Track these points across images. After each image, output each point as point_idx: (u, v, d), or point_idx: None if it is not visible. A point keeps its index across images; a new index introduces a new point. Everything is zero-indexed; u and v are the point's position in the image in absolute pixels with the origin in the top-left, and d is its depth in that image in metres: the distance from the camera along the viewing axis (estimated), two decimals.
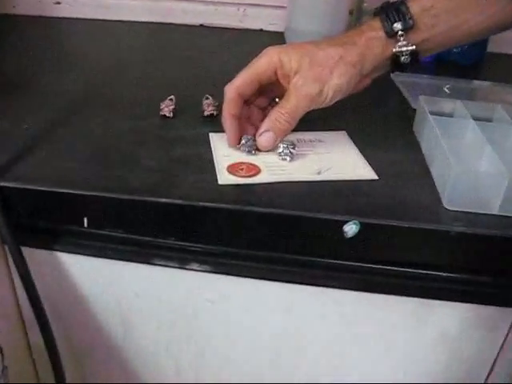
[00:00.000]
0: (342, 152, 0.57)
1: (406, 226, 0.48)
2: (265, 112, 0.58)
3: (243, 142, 0.55)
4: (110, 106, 0.67)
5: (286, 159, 0.55)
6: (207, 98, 0.66)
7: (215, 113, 0.64)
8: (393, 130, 0.64)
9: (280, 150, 0.55)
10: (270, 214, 0.48)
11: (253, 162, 0.54)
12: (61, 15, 1.04)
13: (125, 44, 0.93)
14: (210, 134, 0.60)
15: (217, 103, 0.65)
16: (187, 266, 0.54)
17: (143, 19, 1.04)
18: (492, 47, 0.93)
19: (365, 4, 0.88)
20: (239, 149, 0.56)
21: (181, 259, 0.54)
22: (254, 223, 0.49)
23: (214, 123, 0.63)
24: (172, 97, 0.65)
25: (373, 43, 0.53)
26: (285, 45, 0.55)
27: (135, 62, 0.83)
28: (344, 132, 0.61)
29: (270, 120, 0.54)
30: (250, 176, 0.52)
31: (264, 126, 0.55)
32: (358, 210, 0.49)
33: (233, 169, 0.53)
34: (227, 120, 0.56)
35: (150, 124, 0.62)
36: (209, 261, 0.54)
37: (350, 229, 0.47)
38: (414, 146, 0.61)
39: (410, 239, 0.49)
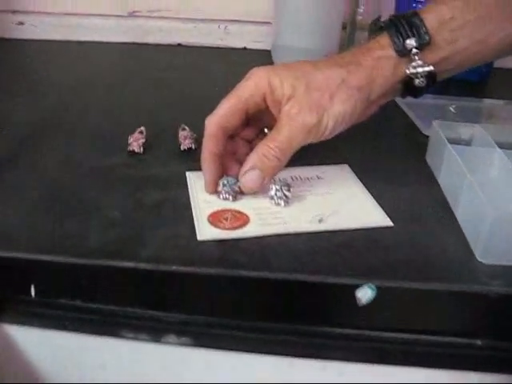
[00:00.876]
0: (347, 191, 0.48)
1: (433, 288, 0.38)
2: (252, 145, 0.49)
3: (221, 184, 0.46)
4: (71, 138, 0.57)
5: (279, 204, 0.45)
6: (184, 129, 0.56)
7: (194, 146, 0.54)
8: (402, 161, 0.55)
9: (272, 192, 0.45)
10: (264, 279, 0.38)
11: (239, 210, 0.44)
12: (24, 37, 0.95)
13: (94, 67, 0.83)
14: (188, 174, 0.50)
15: (195, 135, 0.55)
16: (163, 339, 0.44)
17: (116, 39, 0.94)
18: (499, 62, 0.84)
19: (359, 17, 0.80)
20: (218, 195, 0.46)
21: (154, 331, 0.44)
22: (244, 290, 0.39)
23: (193, 159, 0.53)
24: (142, 129, 0.55)
25: (381, 64, 0.44)
26: (275, 65, 0.46)
27: (103, 86, 0.73)
28: (346, 166, 0.52)
29: (257, 156, 0.44)
30: (236, 228, 0.42)
31: (249, 162, 0.45)
32: (373, 268, 0.39)
33: (215, 218, 0.43)
34: (206, 160, 0.46)
35: (115, 162, 0.52)
36: (189, 332, 0.43)
37: (364, 294, 0.37)
38: (429, 179, 0.51)
39: (437, 303, 0.39)
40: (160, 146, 0.55)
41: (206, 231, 0.41)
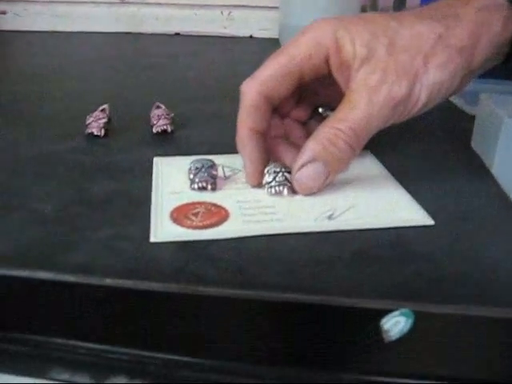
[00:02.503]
0: (369, 181, 0.35)
1: (494, 316, 0.25)
2: (308, 130, 0.37)
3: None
4: (24, 125, 0.45)
5: (281, 192, 0.32)
6: (158, 107, 0.44)
7: (169, 128, 0.42)
8: (441, 148, 0.42)
9: (268, 177, 0.33)
10: (243, 300, 0.25)
11: (217, 202, 0.32)
12: (6, 28, 0.85)
13: (75, 56, 0.72)
14: (156, 160, 0.38)
15: (172, 114, 0.43)
16: (107, 381, 0.31)
17: (107, 29, 0.84)
18: None
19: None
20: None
21: (97, 370, 0.31)
22: (213, 317, 0.26)
23: (168, 144, 0.41)
24: (105, 106, 0.44)
25: (488, 16, 0.32)
26: (343, 16, 0.34)
27: (80, 75, 0.62)
28: (367, 151, 0.39)
29: (319, 142, 0.31)
30: (208, 226, 0.29)
31: (306, 152, 0.32)
32: (406, 286, 0.26)
33: (181, 213, 0.31)
34: (244, 140, 0.33)
35: (67, 147, 0.40)
36: (142, 372, 0.31)
37: (395, 325, 0.24)
38: (478, 168, 0.38)
39: (498, 335, 0.26)
40: (127, 128, 0.43)
41: (163, 230, 0.29)
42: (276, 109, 0.36)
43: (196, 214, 0.30)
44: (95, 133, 0.41)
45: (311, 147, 0.31)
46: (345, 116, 0.31)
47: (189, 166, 0.33)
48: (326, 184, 0.32)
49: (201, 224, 0.29)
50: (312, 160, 0.31)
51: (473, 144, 0.42)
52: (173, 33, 0.84)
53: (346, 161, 0.32)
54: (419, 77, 0.31)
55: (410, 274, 0.27)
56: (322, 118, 0.38)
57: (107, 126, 0.42)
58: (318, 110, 0.38)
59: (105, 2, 0.84)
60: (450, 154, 0.41)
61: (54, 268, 0.26)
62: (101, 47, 0.78)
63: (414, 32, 0.32)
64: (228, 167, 0.36)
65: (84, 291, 0.26)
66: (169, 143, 0.41)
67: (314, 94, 0.37)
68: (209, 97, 0.53)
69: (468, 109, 0.47)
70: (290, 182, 0.32)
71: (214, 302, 0.25)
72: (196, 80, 0.60)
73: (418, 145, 0.42)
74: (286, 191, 0.32)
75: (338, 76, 0.33)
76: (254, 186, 0.34)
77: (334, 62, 0.32)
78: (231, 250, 0.28)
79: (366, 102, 0.31)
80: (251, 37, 0.83)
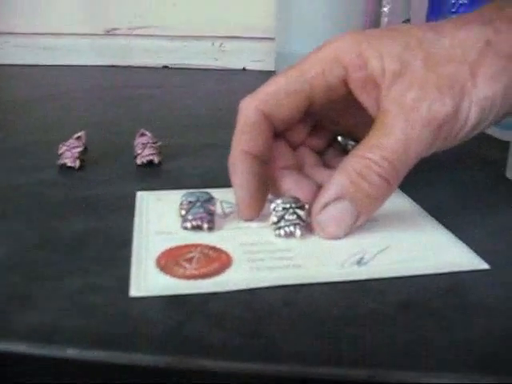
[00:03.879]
0: (399, 218, 0.29)
1: None
2: (328, 162, 0.31)
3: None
4: None
5: (291, 233, 0.26)
6: (143, 135, 0.38)
7: (156, 159, 0.36)
8: (472, 177, 0.36)
9: (275, 215, 0.26)
10: (263, 376, 0.18)
11: (216, 245, 0.25)
12: None
13: (52, 87, 0.67)
14: (139, 195, 0.31)
15: (159, 143, 0.37)
16: None
17: (93, 62, 0.79)
18: None
19: (385, 19, 0.64)
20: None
21: None
22: None
23: (154, 177, 0.35)
24: (81, 134, 0.37)
25: None
26: (369, 30, 0.28)
27: (58, 105, 0.56)
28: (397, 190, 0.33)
29: (347, 176, 0.25)
30: (206, 275, 0.23)
31: (331, 188, 0.26)
32: (481, 350, 0.19)
33: (170, 259, 0.24)
34: (236, 163, 0.28)
35: (36, 180, 0.34)
36: None
37: None
38: None
39: None
40: (106, 159, 0.37)
41: (147, 281, 0.22)
42: (285, 137, 0.30)
43: (190, 260, 0.24)
44: (68, 164, 0.35)
45: (337, 182, 0.25)
46: (377, 142, 0.25)
47: (180, 201, 0.27)
48: (355, 228, 0.26)
49: (197, 273, 0.23)
50: (338, 198, 0.25)
51: (508, 173, 0.36)
52: (160, 65, 0.79)
53: (380, 199, 0.26)
54: (466, 91, 0.25)
55: (480, 332, 0.20)
56: (341, 149, 0.32)
57: (83, 156, 0.36)
58: (337, 140, 0.32)
59: (89, 34, 0.79)
60: (485, 184, 0.35)
61: (1, 333, 0.20)
62: (84, 80, 0.73)
63: (456, 40, 0.26)
64: (227, 203, 0.30)
65: (39, 366, 0.19)
66: (155, 176, 0.35)
67: (332, 122, 0.31)
68: (200, 126, 0.47)
69: (500, 134, 0.41)
70: (304, 221, 0.26)
71: (220, 380, 0.18)
72: (185, 110, 0.54)
73: (446, 174, 0.36)
74: (298, 232, 0.26)
75: (362, 97, 0.27)
76: (247, 220, 0.28)
77: (355, 80, 0.27)
78: (239, 305, 0.21)
79: (402, 125, 0.25)
80: (244, 69, 0.78)
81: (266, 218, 0.27)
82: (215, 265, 0.23)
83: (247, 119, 0.28)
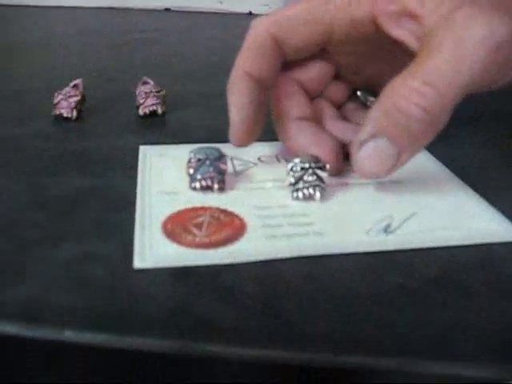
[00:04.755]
0: (427, 181, 0.26)
1: None
2: (346, 115, 0.29)
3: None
4: None
5: (309, 195, 0.23)
6: (145, 83, 0.35)
7: (160, 109, 0.33)
8: (506, 136, 0.33)
9: (294, 177, 0.24)
10: (285, 365, 0.16)
11: (227, 208, 0.23)
12: None
13: (54, 31, 0.63)
14: (142, 149, 0.29)
15: (163, 91, 0.34)
16: None
17: (91, 4, 0.75)
18: None
19: None
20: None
21: None
22: None
23: (157, 128, 0.32)
24: (78, 82, 0.34)
25: None
26: None
27: (54, 50, 0.53)
28: (426, 152, 0.30)
29: (382, 110, 0.22)
30: (218, 243, 0.20)
31: (367, 126, 0.23)
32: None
33: (177, 224, 0.22)
34: (235, 83, 0.25)
35: (28, 131, 0.31)
36: None
37: None
38: None
39: None
40: (106, 109, 0.34)
41: (153, 251, 0.20)
42: (303, 85, 0.27)
43: (199, 225, 0.21)
44: (65, 114, 0.32)
45: (373, 117, 0.22)
46: (420, 66, 0.21)
47: (188, 158, 0.24)
48: (399, 167, 0.23)
49: (207, 240, 0.21)
50: (373, 136, 0.22)
51: None
52: (162, 8, 0.74)
53: (423, 135, 0.22)
54: None
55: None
56: (361, 104, 0.29)
57: (80, 106, 0.33)
58: (356, 94, 0.29)
59: None
60: None
61: None
62: (81, 22, 0.69)
63: None
64: (239, 160, 0.27)
65: (30, 349, 0.17)
66: (159, 128, 0.32)
67: (353, 71, 0.28)
68: (205, 75, 0.44)
69: None
70: (324, 182, 0.24)
71: (231, 368, 0.16)
72: (189, 55, 0.50)
73: (476, 134, 0.33)
74: (318, 195, 0.23)
75: (395, 32, 0.24)
76: (237, 146, 0.26)
77: (386, 13, 0.23)
78: (254, 279, 0.19)
79: (451, 44, 0.21)
80: (250, 13, 0.73)
81: (281, 176, 0.25)
82: (227, 231, 0.21)
83: (255, 39, 0.25)
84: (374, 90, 0.29)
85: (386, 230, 0.22)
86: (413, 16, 0.23)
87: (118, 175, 0.26)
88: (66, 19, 0.70)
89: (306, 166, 0.23)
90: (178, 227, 0.21)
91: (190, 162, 0.24)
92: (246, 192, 0.24)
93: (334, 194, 0.24)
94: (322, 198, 0.23)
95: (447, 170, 0.27)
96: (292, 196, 0.24)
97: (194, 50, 0.53)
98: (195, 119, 0.34)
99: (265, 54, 0.25)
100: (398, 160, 0.22)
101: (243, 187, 0.25)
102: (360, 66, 0.28)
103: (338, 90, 0.29)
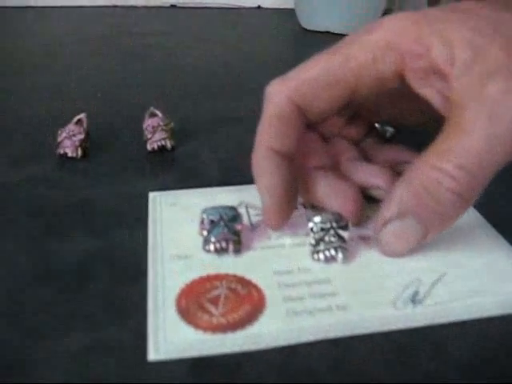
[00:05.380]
0: (461, 233, 0.24)
1: None
2: (365, 151, 0.27)
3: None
4: None
5: (333, 258, 0.22)
6: (153, 115, 0.33)
7: (169, 143, 0.32)
8: None
9: (314, 238, 0.22)
10: None
11: (244, 275, 0.22)
12: None
13: (52, 38, 0.61)
14: (152, 196, 0.27)
15: (172, 124, 0.33)
16: None
17: (91, 3, 0.73)
18: None
19: None
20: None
21: None
22: None
23: (167, 166, 0.31)
24: (82, 117, 0.33)
25: None
26: (425, 10, 0.22)
27: (53, 64, 0.51)
28: None
29: (412, 191, 0.21)
30: (236, 324, 0.19)
31: (393, 203, 0.21)
32: None
33: (192, 300, 0.20)
34: (262, 163, 0.23)
35: (28, 175, 0.30)
36: None
37: None
38: None
39: None
40: (112, 144, 0.33)
41: (168, 338, 0.19)
42: (317, 129, 0.26)
43: (215, 301, 0.20)
44: (69, 154, 0.31)
45: (399, 197, 0.21)
46: (451, 146, 0.20)
47: (200, 218, 0.23)
48: (423, 244, 0.22)
49: (225, 321, 0.19)
50: (400, 215, 0.21)
51: None
52: (168, 4, 0.72)
53: (453, 217, 0.21)
54: None
55: None
56: (379, 136, 0.28)
57: (85, 144, 0.31)
58: (374, 127, 0.27)
59: None
60: None
61: None
62: (84, 24, 0.67)
63: None
64: (255, 208, 0.26)
65: None
66: (168, 165, 0.31)
67: (374, 112, 0.27)
68: (217, 90, 0.43)
69: None
70: (346, 242, 0.22)
71: None
72: (198, 68, 0.49)
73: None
74: (340, 256, 0.22)
75: (422, 90, 0.22)
76: (274, 229, 0.24)
77: (414, 70, 0.22)
78: (279, 369, 0.18)
79: (484, 122, 0.20)
80: (259, 7, 0.71)
81: (300, 230, 0.23)
82: (246, 308, 0.20)
83: (276, 111, 0.23)
84: (395, 123, 0.28)
85: (414, 299, 0.20)
86: (441, 74, 0.21)
87: (127, 231, 0.25)
88: (68, 20, 0.68)
89: (327, 226, 0.22)
90: (192, 304, 0.20)
91: (202, 223, 0.23)
92: (264, 252, 0.23)
93: (356, 253, 0.23)
94: (344, 259, 0.22)
95: (482, 220, 0.25)
96: (313, 257, 0.22)
97: (205, 59, 0.51)
98: (207, 153, 0.32)
99: (288, 125, 0.23)
100: (425, 239, 0.21)
101: (260, 246, 0.23)
102: (382, 108, 0.26)
103: (355, 128, 0.27)
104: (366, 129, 0.28)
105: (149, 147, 0.32)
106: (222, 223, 0.23)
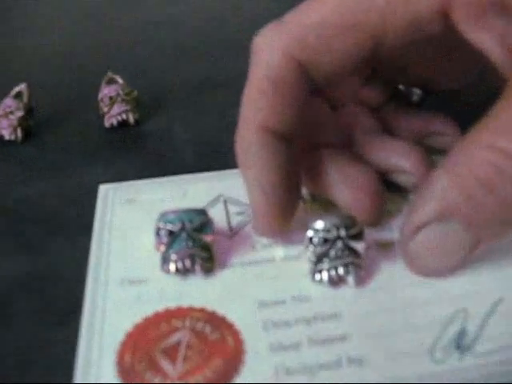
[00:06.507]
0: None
1: None
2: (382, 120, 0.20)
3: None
4: None
5: (342, 280, 0.16)
6: (111, 82, 0.27)
7: (131, 118, 0.25)
8: None
9: (315, 253, 0.16)
10: None
11: (216, 309, 0.15)
12: None
13: None
14: (102, 190, 0.21)
15: (135, 93, 0.26)
16: None
17: None
18: None
19: None
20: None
21: None
22: None
23: (127, 147, 0.24)
24: (21, 89, 0.26)
25: None
26: None
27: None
28: None
29: (459, 181, 0.14)
30: None
31: (431, 202, 0.15)
32: None
33: (140, 349, 0.14)
34: (251, 148, 0.17)
35: None
36: None
37: None
38: None
39: None
40: (61, 124, 0.26)
41: None
42: (319, 92, 0.19)
43: (173, 352, 0.14)
44: (6, 137, 0.24)
45: (440, 191, 0.14)
46: (510, 121, 0.14)
47: (156, 226, 0.17)
48: (471, 259, 0.16)
49: None
50: (440, 217, 0.15)
51: None
52: None
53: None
54: None
55: None
56: (404, 101, 0.21)
57: (27, 123, 0.25)
58: (397, 88, 0.21)
59: None
60: None
61: None
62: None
63: None
64: (237, 204, 0.19)
65: None
66: (131, 147, 0.24)
67: (398, 71, 0.20)
68: (197, 50, 0.35)
69: None
70: (360, 257, 0.16)
71: None
72: (175, 23, 0.41)
73: None
74: (351, 279, 0.16)
75: (475, 34, 0.15)
76: (266, 236, 0.17)
77: (464, 4, 0.15)
78: None
79: None
80: None
81: (297, 236, 0.17)
82: (216, 364, 0.14)
83: (269, 73, 0.16)
84: (426, 86, 0.21)
85: (460, 343, 0.14)
86: (507, 9, 0.14)
87: (67, 244, 0.19)
88: None
89: (333, 235, 0.16)
90: (140, 360, 0.14)
91: (158, 234, 0.16)
92: (245, 271, 0.17)
93: (374, 272, 0.16)
94: (358, 281, 0.16)
95: None
96: (313, 278, 0.16)
97: (178, 14, 0.43)
98: (180, 129, 0.25)
99: (287, 92, 0.16)
100: (473, 251, 0.15)
101: (241, 260, 0.17)
102: (410, 65, 0.19)
103: (374, 91, 0.20)
104: (387, 92, 0.21)
105: (106, 123, 0.25)
106: (184, 234, 0.16)
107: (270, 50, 0.16)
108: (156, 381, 0.13)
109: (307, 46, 0.16)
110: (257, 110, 0.16)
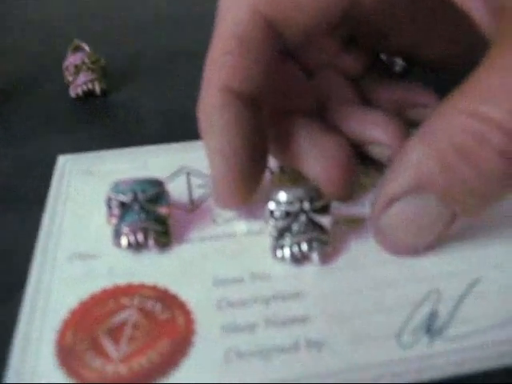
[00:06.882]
0: (499, 221, 0.17)
1: None
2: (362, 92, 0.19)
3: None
4: None
5: (304, 256, 0.15)
6: (77, 49, 0.25)
7: (97, 87, 0.24)
8: None
9: (276, 227, 0.15)
10: None
11: (168, 286, 0.14)
12: None
13: None
14: (61, 161, 0.20)
15: (102, 61, 0.25)
16: None
17: None
18: None
19: None
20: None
21: None
22: None
23: (93, 118, 0.23)
24: None
25: None
26: None
27: None
28: None
29: (435, 150, 0.13)
30: (145, 378, 0.12)
31: (406, 172, 0.13)
32: None
33: (83, 326, 0.13)
34: (214, 114, 0.15)
35: None
36: None
37: None
38: None
39: None
40: (24, 94, 0.25)
41: None
42: (297, 56, 0.18)
43: (118, 332, 0.13)
44: None
45: (416, 162, 0.13)
46: (504, 82, 0.12)
47: (106, 196, 0.15)
48: (447, 235, 0.14)
49: (126, 372, 0.12)
50: (415, 189, 0.13)
51: None
52: None
53: (497, 194, 0.13)
54: None
55: None
56: (385, 71, 0.20)
57: None
58: (378, 58, 0.19)
59: None
60: None
61: None
62: None
63: None
64: (200, 176, 0.18)
65: None
66: (96, 117, 0.23)
67: (378, 37, 0.19)
68: (163, 23, 0.33)
69: None
70: (326, 233, 0.15)
71: None
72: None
73: None
74: (316, 257, 0.14)
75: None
76: (227, 209, 0.16)
77: None
78: None
79: None
80: None
81: (260, 210, 0.16)
82: (163, 346, 0.13)
83: (235, 30, 0.15)
84: (409, 56, 0.20)
85: (430, 326, 0.13)
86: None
87: (18, 218, 0.17)
88: None
89: (296, 207, 0.14)
90: (81, 339, 0.13)
91: (109, 205, 0.15)
92: (204, 246, 0.15)
93: (341, 250, 0.15)
94: (323, 258, 0.15)
95: None
96: (274, 255, 0.15)
97: None
98: (148, 98, 0.24)
99: (254, 51, 0.15)
100: (449, 227, 0.13)
101: (200, 235, 0.16)
102: (392, 31, 0.18)
103: (353, 58, 0.19)
104: (367, 61, 0.19)
105: (72, 93, 0.24)
106: (136, 206, 0.15)
107: (237, 6, 0.15)
108: (96, 363, 0.12)
109: (275, 2, 0.15)
110: (221, 70, 0.15)
